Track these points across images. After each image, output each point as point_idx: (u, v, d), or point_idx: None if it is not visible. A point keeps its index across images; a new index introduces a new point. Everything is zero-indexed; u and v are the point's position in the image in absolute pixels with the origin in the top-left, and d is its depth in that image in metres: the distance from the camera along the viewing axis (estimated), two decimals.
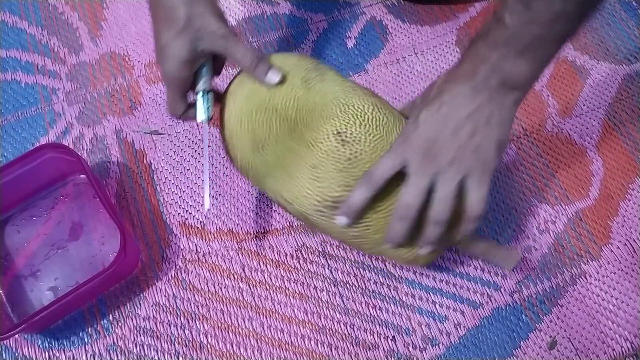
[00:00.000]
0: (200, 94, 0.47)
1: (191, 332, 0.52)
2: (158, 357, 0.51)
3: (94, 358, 0.51)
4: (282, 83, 0.45)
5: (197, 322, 0.52)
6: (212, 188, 0.58)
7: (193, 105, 0.48)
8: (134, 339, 0.52)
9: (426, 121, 0.41)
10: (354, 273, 0.54)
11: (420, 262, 0.47)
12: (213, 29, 0.44)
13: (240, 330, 0.52)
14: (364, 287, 0.54)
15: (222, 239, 0.56)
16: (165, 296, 0.53)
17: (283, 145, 0.45)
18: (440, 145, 0.40)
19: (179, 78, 0.45)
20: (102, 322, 0.52)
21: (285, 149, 0.45)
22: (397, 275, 0.54)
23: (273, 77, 0.45)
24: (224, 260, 0.55)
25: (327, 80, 0.46)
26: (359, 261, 0.55)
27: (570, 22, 0.38)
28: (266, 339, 0.52)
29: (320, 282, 0.54)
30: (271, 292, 0.54)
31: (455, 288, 0.54)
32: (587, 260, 0.55)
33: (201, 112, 0.47)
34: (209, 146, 0.48)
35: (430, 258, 0.47)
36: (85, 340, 0.52)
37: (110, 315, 0.53)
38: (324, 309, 0.53)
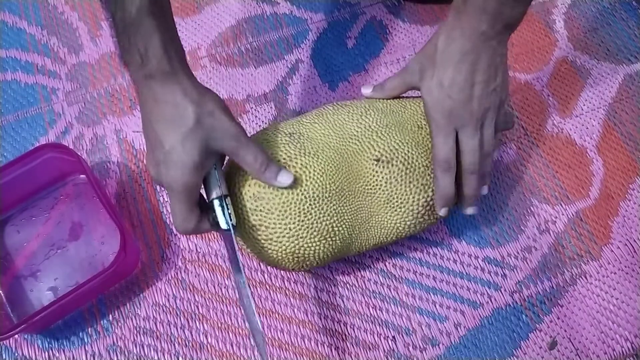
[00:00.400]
0: (217, 201, 0.42)
1: (191, 332, 0.52)
2: (158, 357, 0.51)
3: (94, 358, 0.51)
4: (295, 183, 0.42)
5: (197, 322, 0.52)
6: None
7: (206, 216, 0.43)
8: (134, 339, 0.52)
9: (453, 86, 0.43)
10: (354, 273, 0.54)
11: None
12: (225, 127, 0.40)
13: (240, 331, 0.52)
14: (364, 288, 0.54)
15: (222, 239, 0.56)
16: (165, 296, 0.53)
17: (348, 213, 0.44)
18: (478, 102, 0.44)
19: (191, 186, 0.40)
20: (102, 322, 0.52)
21: (353, 214, 0.45)
22: (397, 276, 0.54)
23: (286, 179, 0.42)
24: (224, 260, 0.55)
25: (310, 132, 0.45)
26: (359, 261, 0.55)
27: None
28: (266, 339, 0.52)
29: (320, 283, 0.54)
30: (271, 292, 0.54)
31: (456, 288, 0.54)
32: (588, 260, 0.55)
33: (223, 220, 0.42)
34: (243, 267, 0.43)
35: None
36: (85, 340, 0.52)
37: (110, 316, 0.53)
38: (324, 309, 0.53)
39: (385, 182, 0.44)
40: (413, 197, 0.45)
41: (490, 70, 0.43)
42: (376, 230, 0.46)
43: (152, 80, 0.38)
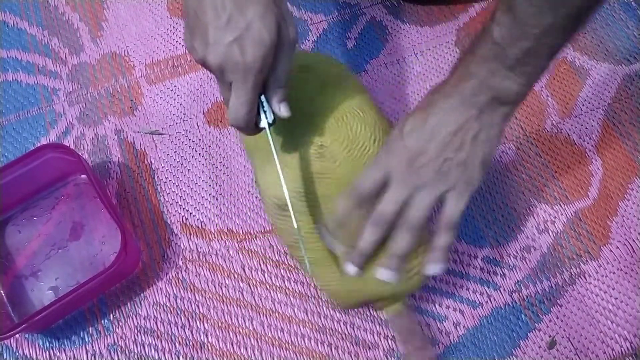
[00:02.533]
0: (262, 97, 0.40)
1: (192, 332, 0.52)
2: (159, 357, 0.51)
3: (95, 357, 0.51)
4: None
5: (198, 322, 0.52)
6: (216, 189, 0.58)
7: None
8: (135, 339, 0.52)
9: (411, 133, 0.40)
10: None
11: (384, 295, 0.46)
12: (290, 15, 0.36)
13: (241, 330, 0.52)
14: None
15: (222, 238, 0.56)
16: (165, 296, 0.53)
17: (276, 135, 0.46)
18: (424, 159, 0.39)
19: (266, 67, 0.36)
20: (102, 321, 0.53)
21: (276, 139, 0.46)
22: None
23: (284, 110, 0.39)
24: (225, 260, 0.55)
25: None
26: None
27: (561, 35, 0.36)
28: (266, 338, 0.52)
29: None
30: (271, 291, 0.54)
31: (455, 288, 0.54)
32: (587, 260, 0.55)
33: (269, 113, 0.40)
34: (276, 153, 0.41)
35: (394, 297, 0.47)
36: (86, 339, 0.52)
37: (111, 315, 0.53)
38: (324, 308, 0.53)
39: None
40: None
41: (451, 140, 0.38)
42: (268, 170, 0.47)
43: None
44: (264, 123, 0.40)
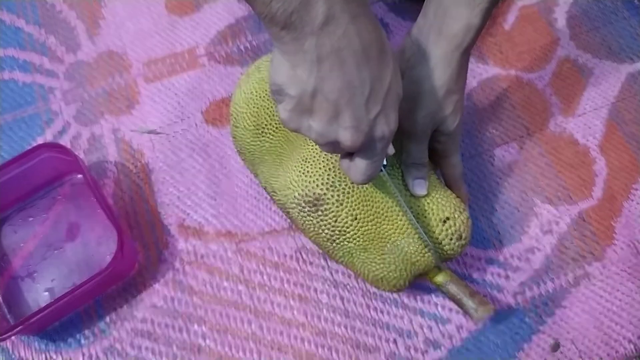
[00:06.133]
0: None
1: (189, 335, 0.51)
2: None
3: None
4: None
5: (195, 325, 0.52)
6: (214, 189, 0.58)
7: None
8: (131, 341, 0.51)
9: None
10: (355, 275, 0.54)
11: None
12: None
13: (239, 333, 0.51)
14: (364, 289, 0.53)
15: (220, 240, 0.55)
16: (162, 298, 0.53)
17: (282, 134, 0.46)
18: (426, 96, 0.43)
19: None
20: (99, 324, 0.52)
21: (283, 138, 0.46)
22: None
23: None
24: (222, 262, 0.54)
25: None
26: None
27: None
28: (265, 341, 0.51)
29: (320, 284, 0.53)
30: (270, 294, 0.53)
31: None
32: (591, 261, 0.54)
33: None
34: None
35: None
36: (82, 342, 0.51)
37: (107, 317, 0.52)
38: (324, 311, 0.52)
39: (316, 146, 0.44)
40: (318, 181, 0.44)
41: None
42: (280, 174, 0.47)
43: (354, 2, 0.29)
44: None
